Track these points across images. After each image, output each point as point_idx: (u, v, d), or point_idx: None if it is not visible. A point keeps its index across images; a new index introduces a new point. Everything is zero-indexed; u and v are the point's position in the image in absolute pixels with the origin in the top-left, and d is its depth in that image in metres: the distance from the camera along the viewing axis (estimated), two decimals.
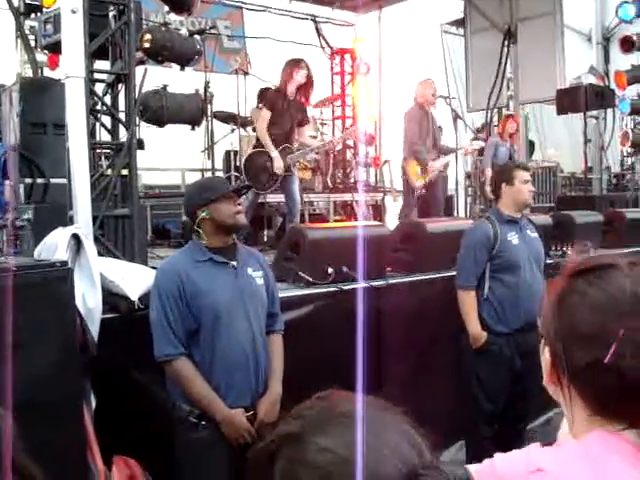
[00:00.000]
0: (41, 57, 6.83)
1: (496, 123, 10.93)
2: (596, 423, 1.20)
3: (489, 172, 8.96)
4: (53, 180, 5.08)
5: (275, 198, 7.57)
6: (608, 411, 1.19)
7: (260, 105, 7.07)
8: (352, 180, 10.96)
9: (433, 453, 0.91)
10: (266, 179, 6.89)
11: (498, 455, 1.25)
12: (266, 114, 6.96)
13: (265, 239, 7.47)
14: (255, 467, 0.90)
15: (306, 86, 7.20)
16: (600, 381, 1.17)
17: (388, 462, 0.84)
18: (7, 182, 5.13)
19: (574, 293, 1.24)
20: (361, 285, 4.62)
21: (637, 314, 1.16)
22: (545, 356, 1.29)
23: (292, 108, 7.09)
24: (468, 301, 4.63)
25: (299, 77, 7.05)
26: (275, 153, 6.90)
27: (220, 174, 8.84)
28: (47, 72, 7.18)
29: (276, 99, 7.03)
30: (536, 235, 4.77)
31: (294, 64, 7.15)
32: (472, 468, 1.24)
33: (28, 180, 5.17)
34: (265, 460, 0.88)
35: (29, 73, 7.24)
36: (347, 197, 9.63)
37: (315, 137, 9.47)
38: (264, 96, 8.46)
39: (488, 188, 8.98)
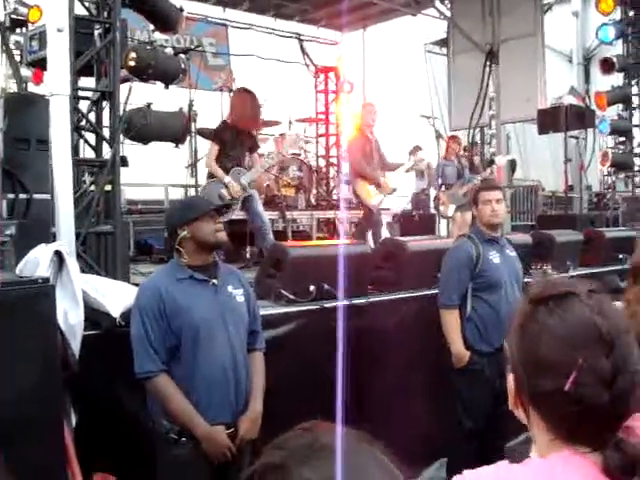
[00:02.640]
0: (25, 72, 6.84)
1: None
2: (557, 446, 1.24)
3: (440, 193, 9.20)
4: (36, 196, 5.08)
5: None
6: (568, 435, 1.23)
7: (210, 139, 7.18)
8: (335, 197, 11.02)
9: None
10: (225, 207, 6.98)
11: (467, 472, 1.28)
12: (214, 148, 7.09)
13: (248, 256, 7.48)
14: None
15: (254, 113, 7.41)
16: (560, 408, 1.21)
17: None
18: None
19: (535, 321, 1.28)
20: (342, 303, 4.65)
21: (595, 344, 1.20)
22: (509, 381, 1.33)
23: (241, 137, 7.23)
24: (451, 320, 4.64)
25: (247, 111, 7.26)
26: (227, 179, 6.99)
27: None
28: (31, 87, 7.18)
29: (224, 132, 7.16)
30: (515, 254, 4.82)
31: (243, 97, 7.35)
32: None
33: (11, 195, 5.18)
34: None
35: (13, 88, 7.24)
36: (330, 214, 9.67)
37: (298, 157, 9.51)
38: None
39: (442, 208, 9.16)
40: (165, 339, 3.24)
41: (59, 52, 4.26)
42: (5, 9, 6.95)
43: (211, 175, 7.15)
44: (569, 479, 1.19)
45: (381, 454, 0.94)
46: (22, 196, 5.18)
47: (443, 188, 9.52)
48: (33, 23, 6.49)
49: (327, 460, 0.88)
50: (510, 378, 1.32)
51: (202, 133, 8.38)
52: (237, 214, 7.09)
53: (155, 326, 3.23)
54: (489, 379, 4.53)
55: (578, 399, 1.18)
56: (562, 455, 1.22)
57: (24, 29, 6.93)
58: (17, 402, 3.00)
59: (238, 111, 7.22)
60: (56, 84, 4.26)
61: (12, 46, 6.96)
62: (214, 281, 3.38)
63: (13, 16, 7.12)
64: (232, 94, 7.44)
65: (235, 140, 7.15)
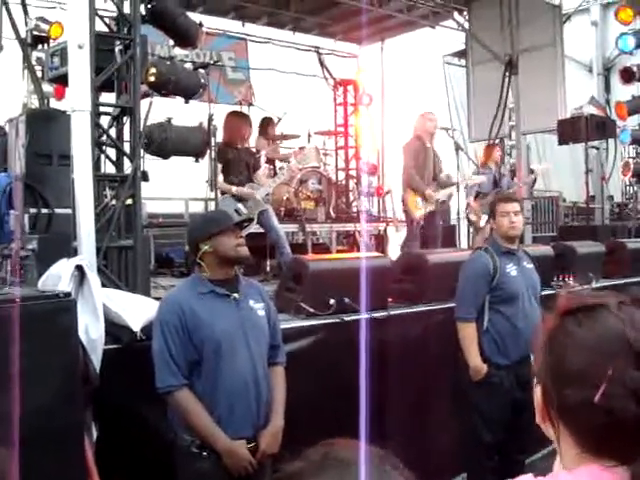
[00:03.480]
0: (47, 87, 6.91)
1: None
2: (586, 460, 1.22)
3: (472, 202, 9.08)
4: (58, 210, 5.13)
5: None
6: (597, 449, 1.20)
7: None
8: (355, 210, 11.01)
9: None
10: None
11: None
12: (219, 167, 7.16)
13: (268, 269, 7.49)
14: None
15: (241, 135, 7.56)
16: (589, 420, 1.18)
17: None
18: (12, 212, 5.19)
19: (564, 332, 1.25)
20: (363, 316, 4.63)
21: (625, 355, 1.18)
22: (537, 394, 1.30)
23: (243, 155, 7.39)
24: (468, 333, 4.59)
25: (246, 134, 7.57)
26: (235, 188, 7.11)
27: None
28: (53, 102, 7.26)
29: (225, 151, 7.25)
30: (532, 266, 4.78)
31: (233, 119, 7.57)
32: None
33: (33, 210, 5.23)
34: None
35: (35, 104, 7.32)
36: (349, 227, 9.65)
37: (317, 169, 9.52)
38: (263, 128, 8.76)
39: (473, 217, 9.04)
40: (186, 353, 3.24)
41: (80, 68, 4.30)
42: (27, 25, 7.04)
43: (224, 192, 7.23)
44: None
45: (398, 473, 0.94)
46: (44, 211, 5.24)
47: (472, 198, 9.37)
48: (55, 39, 6.57)
49: (339, 472, 0.90)
50: (537, 390, 1.30)
51: None
52: (255, 227, 7.11)
53: (177, 340, 3.23)
54: (507, 392, 4.50)
55: (608, 411, 1.15)
56: (590, 469, 1.20)
57: (46, 45, 7.03)
58: (39, 416, 3.01)
59: (228, 132, 7.40)
60: (77, 100, 4.30)
61: (34, 62, 7.04)
62: (235, 295, 3.38)
63: (35, 32, 7.21)
64: (230, 117, 7.64)
65: (237, 157, 7.30)
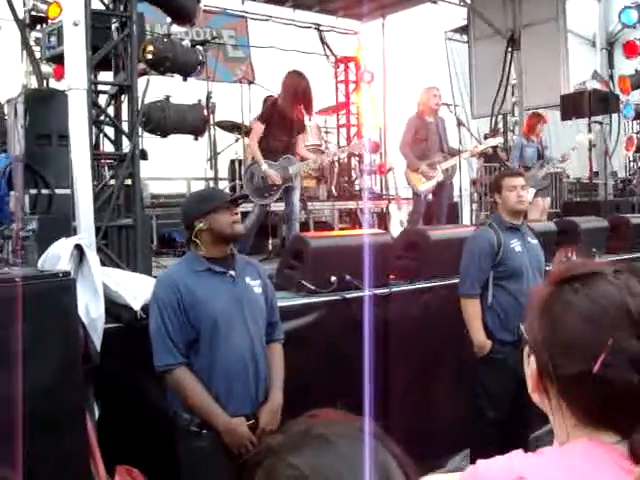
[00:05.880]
0: (47, 68, 6.88)
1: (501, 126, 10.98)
2: (582, 432, 1.20)
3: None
4: (58, 191, 5.11)
5: (280, 207, 7.53)
6: (596, 421, 1.18)
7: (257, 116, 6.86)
8: (357, 188, 10.97)
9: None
10: (267, 189, 6.85)
11: (481, 462, 1.25)
12: (259, 127, 6.86)
13: (270, 248, 7.48)
14: (245, 474, 0.94)
15: (305, 99, 7.03)
16: (588, 391, 1.16)
17: None
18: (12, 193, 5.17)
19: (560, 302, 1.22)
20: (364, 293, 4.63)
21: (625, 324, 1.15)
22: (531, 365, 1.27)
23: (290, 119, 6.92)
24: (472, 309, 4.58)
25: (299, 91, 6.93)
26: (264, 167, 6.75)
27: (225, 183, 8.91)
28: (53, 83, 7.22)
29: (272, 111, 6.92)
30: (536, 242, 4.76)
31: (295, 78, 7.02)
32: (457, 477, 1.24)
33: (33, 191, 5.21)
34: (252, 468, 0.92)
35: (34, 84, 7.29)
36: (352, 205, 9.63)
37: (319, 147, 9.46)
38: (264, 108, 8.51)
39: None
40: (184, 331, 3.24)
41: (76, 46, 4.26)
42: (24, 5, 6.99)
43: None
44: (588, 468, 1.15)
45: (385, 449, 0.92)
46: (44, 191, 5.22)
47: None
48: (53, 19, 6.53)
49: (316, 448, 0.89)
50: (532, 361, 1.26)
51: (222, 126, 8.38)
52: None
53: (173, 318, 3.23)
54: (512, 368, 4.47)
55: (607, 381, 1.13)
56: (581, 444, 1.18)
57: (44, 25, 6.98)
58: (40, 395, 3.01)
59: (283, 91, 6.97)
60: (73, 78, 4.27)
61: (32, 43, 7.00)
62: (232, 273, 3.37)
63: (33, 13, 7.16)
64: (287, 75, 7.06)
65: (283, 122, 6.87)
